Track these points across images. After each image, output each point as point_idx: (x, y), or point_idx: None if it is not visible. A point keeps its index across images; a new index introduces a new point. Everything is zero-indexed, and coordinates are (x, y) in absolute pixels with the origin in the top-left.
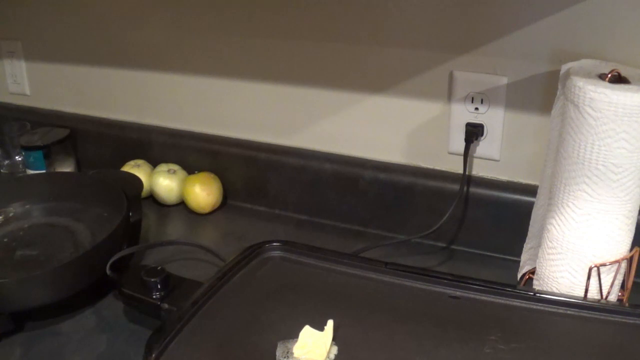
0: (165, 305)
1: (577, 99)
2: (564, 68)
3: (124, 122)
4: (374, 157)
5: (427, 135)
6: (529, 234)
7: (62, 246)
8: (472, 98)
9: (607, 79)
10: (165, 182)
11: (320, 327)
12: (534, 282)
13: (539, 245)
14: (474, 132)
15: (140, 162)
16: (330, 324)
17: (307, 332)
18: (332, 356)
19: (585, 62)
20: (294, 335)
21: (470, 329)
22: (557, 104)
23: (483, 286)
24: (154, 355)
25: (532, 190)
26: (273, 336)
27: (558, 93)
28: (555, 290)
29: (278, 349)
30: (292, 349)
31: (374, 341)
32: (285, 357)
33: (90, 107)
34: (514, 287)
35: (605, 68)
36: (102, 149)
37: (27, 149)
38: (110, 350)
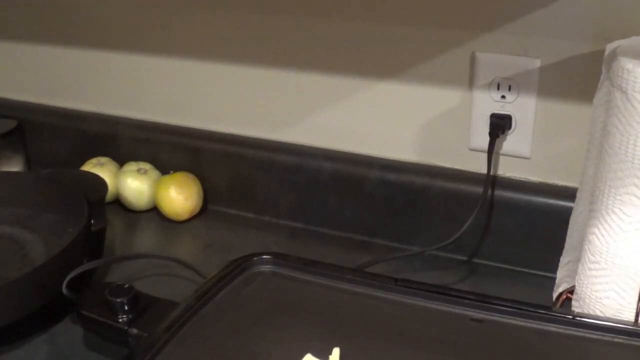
0: (134, 331)
1: (625, 84)
2: (610, 48)
3: (84, 112)
4: (381, 155)
5: (445, 129)
6: (566, 245)
7: (8, 260)
8: (498, 84)
9: None
10: (134, 184)
11: (319, 355)
12: (573, 303)
13: (578, 259)
14: (500, 125)
15: (104, 159)
16: (336, 352)
17: None
18: None
19: (635, 40)
20: None
21: (497, 359)
22: (601, 91)
23: (511, 308)
24: None
25: (569, 194)
26: None
27: (602, 78)
28: (599, 314)
29: None
30: None
31: None
32: None
33: (42, 95)
34: (549, 309)
35: None
36: (58, 144)
37: None
38: None
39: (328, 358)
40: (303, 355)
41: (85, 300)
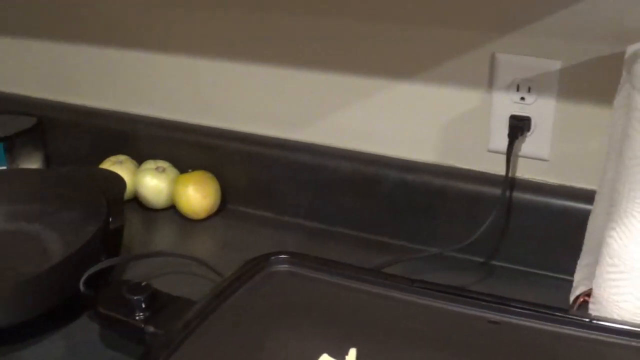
0: (151, 328)
1: None
2: (630, 50)
3: (103, 110)
4: (400, 155)
5: (464, 130)
6: (585, 248)
7: (27, 257)
8: (518, 86)
9: None
10: (152, 182)
11: (336, 356)
12: (590, 306)
13: (596, 262)
14: (519, 127)
15: (122, 157)
16: (352, 353)
17: None
18: None
19: None
20: None
21: None
22: (621, 93)
23: (529, 310)
24: None
25: (588, 196)
26: None
27: (622, 80)
28: (617, 317)
29: None
30: None
31: None
32: None
33: (62, 92)
34: (566, 311)
35: None
36: (77, 141)
37: None
38: None
39: (344, 358)
40: (319, 355)
41: (102, 298)
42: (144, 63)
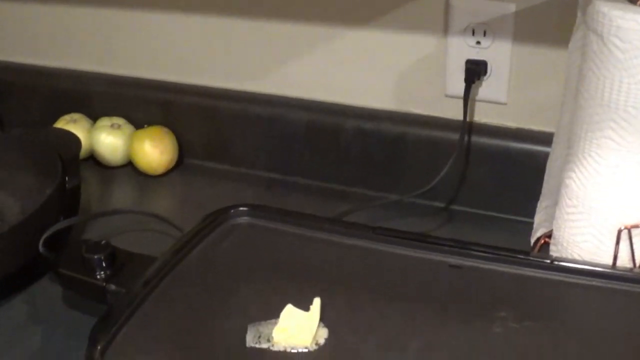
0: (112, 287)
1: (601, 27)
2: None
3: (55, 69)
4: (357, 104)
5: (420, 76)
6: (544, 190)
7: None
8: (473, 30)
9: (638, 3)
10: (108, 140)
11: (300, 306)
12: (551, 247)
13: (555, 203)
14: (475, 71)
15: (76, 116)
16: (317, 302)
17: (289, 312)
18: (322, 340)
19: None
20: (267, 317)
21: (476, 305)
22: (576, 35)
23: (490, 253)
24: (99, 348)
25: (546, 139)
26: (243, 319)
27: (577, 21)
28: (577, 257)
29: (249, 333)
30: (265, 332)
31: (363, 322)
32: (257, 343)
33: (10, 52)
34: (527, 253)
35: None
36: (29, 102)
37: None
38: (47, 344)
39: (309, 308)
40: (283, 306)
41: (62, 259)
42: (94, 19)
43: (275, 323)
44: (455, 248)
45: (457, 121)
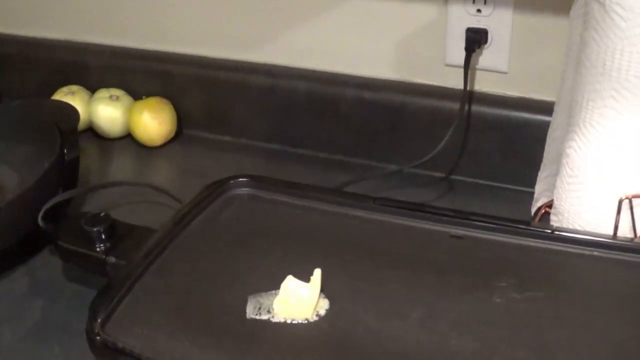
0: (112, 259)
1: None
2: None
3: (52, 40)
4: (357, 73)
5: (420, 45)
6: (545, 160)
7: None
8: None
9: None
10: (106, 111)
11: (301, 277)
12: (552, 217)
13: (556, 173)
14: (476, 39)
15: (75, 88)
16: (317, 273)
17: (290, 283)
18: (323, 311)
19: None
20: (267, 288)
21: (477, 275)
22: (578, 3)
23: (490, 223)
24: (99, 320)
25: (547, 108)
26: (243, 291)
27: None
28: (578, 227)
29: (249, 304)
30: (265, 303)
31: (364, 293)
32: (257, 314)
33: (9, 24)
34: (528, 223)
35: None
36: (27, 74)
37: None
38: (47, 317)
39: (309, 279)
40: (283, 277)
41: (62, 231)
42: None
43: (276, 294)
44: (456, 218)
45: (458, 90)
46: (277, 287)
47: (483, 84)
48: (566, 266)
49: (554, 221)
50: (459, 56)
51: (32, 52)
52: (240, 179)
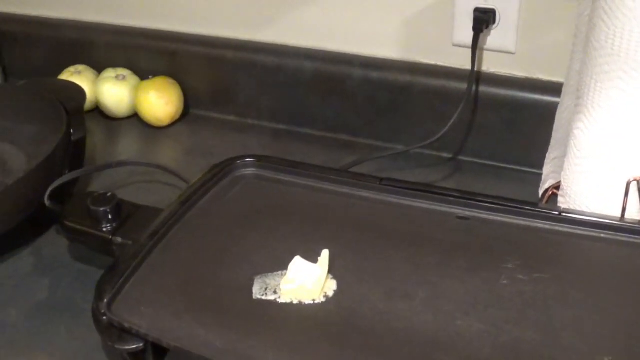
0: (118, 239)
1: None
2: None
3: (59, 19)
4: (363, 53)
5: (428, 24)
6: (552, 141)
7: None
8: None
9: None
10: (113, 90)
11: (308, 258)
12: (559, 199)
13: (564, 154)
14: (484, 19)
15: (81, 67)
16: (325, 254)
17: (297, 264)
18: (331, 292)
19: None
20: (274, 268)
21: (483, 256)
22: None
23: (497, 204)
24: (106, 300)
25: (555, 89)
26: (250, 271)
27: None
28: (585, 209)
29: (255, 285)
30: (272, 284)
31: (371, 273)
32: (264, 295)
33: (15, 3)
34: (535, 205)
35: None
36: (34, 53)
37: None
38: (54, 296)
39: (315, 260)
40: (290, 257)
41: (68, 211)
42: None
43: (283, 275)
44: (463, 199)
45: (465, 70)
46: (284, 268)
47: (490, 65)
48: (573, 248)
49: (562, 203)
50: (467, 36)
51: (39, 32)
52: (247, 159)
